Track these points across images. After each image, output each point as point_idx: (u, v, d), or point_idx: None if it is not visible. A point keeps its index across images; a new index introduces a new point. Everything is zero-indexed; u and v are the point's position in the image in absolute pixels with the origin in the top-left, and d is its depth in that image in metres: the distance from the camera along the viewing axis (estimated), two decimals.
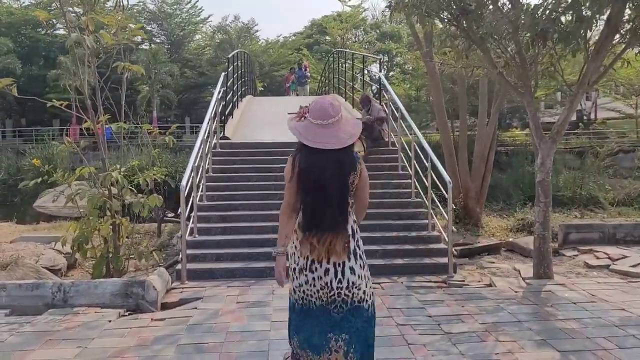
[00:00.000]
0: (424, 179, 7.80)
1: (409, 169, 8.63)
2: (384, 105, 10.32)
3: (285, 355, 3.46)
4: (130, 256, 6.85)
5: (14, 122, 38.35)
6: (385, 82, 10.61)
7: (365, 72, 28.25)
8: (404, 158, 9.04)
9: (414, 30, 10.13)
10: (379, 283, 5.99)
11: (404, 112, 8.94)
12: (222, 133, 10.30)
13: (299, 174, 2.93)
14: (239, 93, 14.16)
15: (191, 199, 7.07)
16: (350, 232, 3.02)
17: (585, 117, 31.36)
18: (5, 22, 37.02)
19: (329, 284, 2.97)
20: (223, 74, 10.55)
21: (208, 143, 8.81)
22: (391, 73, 39.11)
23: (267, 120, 12.40)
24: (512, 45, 5.84)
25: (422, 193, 8.10)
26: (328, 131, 2.89)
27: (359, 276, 3.01)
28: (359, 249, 3.07)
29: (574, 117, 26.59)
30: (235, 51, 14.66)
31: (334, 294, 2.98)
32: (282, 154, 8.28)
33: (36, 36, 37.42)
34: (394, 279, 6.30)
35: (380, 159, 9.39)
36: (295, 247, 3.06)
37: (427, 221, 7.66)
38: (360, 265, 3.04)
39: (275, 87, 35.68)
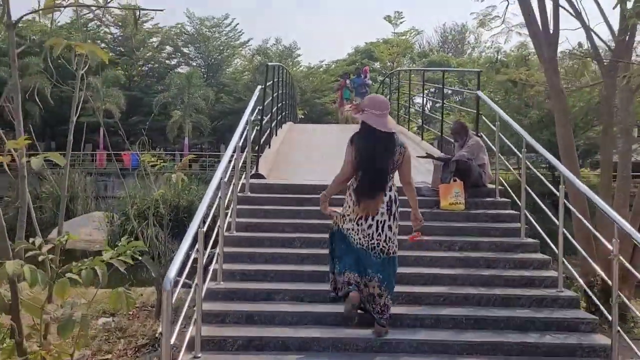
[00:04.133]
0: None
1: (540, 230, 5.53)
2: (481, 138, 7.24)
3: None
4: None
5: (45, 145, 36.71)
6: (488, 99, 7.51)
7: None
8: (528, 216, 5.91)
9: (539, 51, 7.05)
10: None
11: (534, 143, 5.82)
12: (254, 169, 7.40)
13: (358, 151, 4.05)
14: (279, 117, 11.30)
15: (194, 286, 4.09)
16: (392, 197, 4.17)
17: None
18: (38, 41, 35.70)
19: (371, 235, 4.10)
20: (259, 87, 7.69)
21: (233, 184, 5.90)
22: (438, 104, 36.10)
23: (317, 154, 9.44)
24: None
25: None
26: (382, 120, 4.05)
27: (394, 233, 4.19)
28: (397, 212, 4.22)
29: None
30: (276, 63, 11.81)
31: (374, 243, 4.11)
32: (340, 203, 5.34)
33: (68, 56, 35.86)
34: None
35: (485, 216, 6.30)
36: (349, 206, 4.17)
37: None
38: (395, 225, 4.21)
39: (316, 116, 33.03)
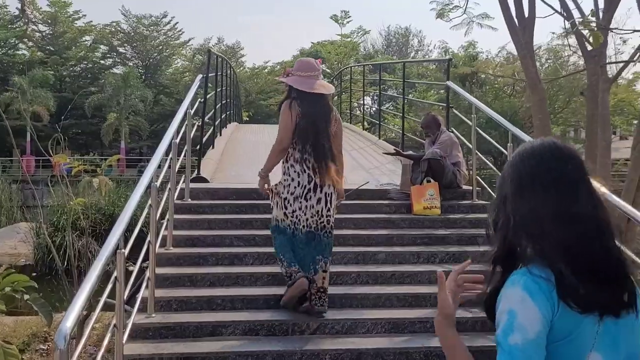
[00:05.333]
0: None
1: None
2: (453, 134, 6.45)
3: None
4: None
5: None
6: (461, 89, 6.73)
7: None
8: None
9: (515, 36, 6.34)
10: None
11: (515, 130, 5.08)
12: (195, 172, 6.33)
13: (299, 117, 3.65)
14: (223, 116, 10.19)
15: (111, 327, 3.01)
16: (335, 168, 3.78)
17: None
18: None
19: (320, 212, 3.73)
20: (200, 76, 6.62)
21: (168, 190, 4.82)
22: (387, 105, 35.69)
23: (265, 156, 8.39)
24: None
25: None
26: (316, 81, 3.70)
27: (334, 206, 3.86)
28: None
29: None
30: (219, 53, 10.67)
31: (323, 221, 3.75)
32: None
33: None
34: None
35: (465, 222, 5.50)
36: (292, 179, 3.74)
37: None
38: (335, 197, 3.84)
39: (262, 118, 31.86)
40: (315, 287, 3.78)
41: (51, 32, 35.84)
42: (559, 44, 20.54)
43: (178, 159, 5.14)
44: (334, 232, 3.95)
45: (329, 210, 3.78)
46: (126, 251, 3.11)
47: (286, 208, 3.77)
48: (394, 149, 6.66)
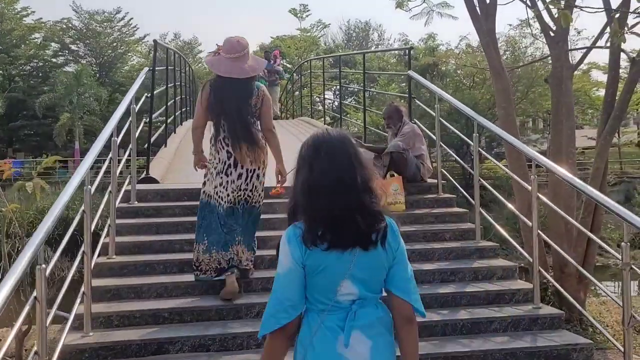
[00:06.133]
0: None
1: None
2: (416, 125, 6.17)
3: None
4: None
5: None
6: (423, 79, 6.45)
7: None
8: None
9: (477, 23, 6.12)
10: None
11: (480, 119, 4.85)
12: (144, 173, 5.89)
13: (210, 98, 3.76)
14: (177, 113, 9.69)
15: (31, 354, 2.60)
16: (261, 145, 3.86)
17: None
18: None
19: (239, 186, 3.81)
20: (146, 69, 6.17)
21: (109, 193, 4.39)
22: (349, 100, 35.46)
23: None
24: None
25: None
26: (235, 64, 3.68)
27: (260, 182, 3.90)
28: (266, 161, 3.94)
29: None
30: (170, 47, 10.14)
31: (242, 195, 3.83)
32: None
33: None
34: None
35: (431, 217, 5.25)
36: (214, 156, 3.87)
37: None
38: (263, 174, 3.92)
39: None
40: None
41: None
42: (516, 34, 20.66)
43: (121, 159, 4.71)
44: (259, 210, 4.01)
45: (253, 187, 3.86)
46: (49, 267, 2.71)
47: (212, 183, 3.88)
48: (355, 140, 6.35)
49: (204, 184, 3.96)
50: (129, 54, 37.15)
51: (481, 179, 4.97)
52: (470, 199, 5.04)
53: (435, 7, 9.34)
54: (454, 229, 5.04)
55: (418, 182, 5.70)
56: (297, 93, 17.61)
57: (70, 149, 30.69)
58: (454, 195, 5.61)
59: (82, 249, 3.44)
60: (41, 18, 35.51)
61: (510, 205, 4.70)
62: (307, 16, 37.82)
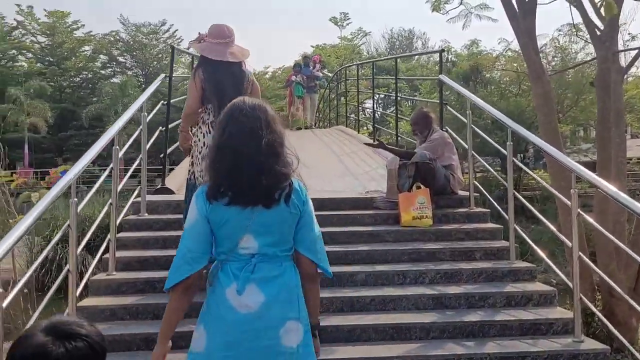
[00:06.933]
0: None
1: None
2: (447, 132, 5.72)
3: None
4: None
5: None
6: (454, 83, 5.99)
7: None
8: None
9: (514, 22, 5.63)
10: None
11: (517, 128, 4.36)
12: (161, 183, 5.67)
13: (204, 83, 3.70)
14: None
15: None
16: None
17: None
18: None
19: None
20: (163, 75, 5.99)
21: (109, 205, 4.15)
22: (392, 109, 34.96)
23: None
24: None
25: None
26: (225, 48, 3.69)
27: None
28: None
29: None
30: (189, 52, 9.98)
31: None
32: None
33: None
34: None
35: (460, 233, 4.78)
36: (199, 139, 3.83)
37: None
38: None
39: None
40: None
41: (50, 43, 35.48)
42: (565, 40, 19.71)
43: (127, 169, 4.48)
44: None
45: None
46: (8, 299, 2.44)
47: (196, 166, 3.81)
48: (377, 140, 5.94)
49: (192, 164, 3.91)
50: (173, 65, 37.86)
51: (515, 193, 4.46)
52: (504, 214, 4.55)
53: (473, 9, 8.89)
54: (486, 247, 4.56)
55: (447, 194, 5.24)
56: (338, 101, 17.30)
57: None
58: (487, 210, 5.12)
59: (67, 267, 3.17)
60: (91, 31, 36.69)
61: (545, 221, 4.19)
62: (347, 24, 37.61)
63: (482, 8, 9.03)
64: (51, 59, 35.23)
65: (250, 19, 70.39)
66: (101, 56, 36.68)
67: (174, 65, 6.80)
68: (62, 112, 33.25)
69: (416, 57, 47.80)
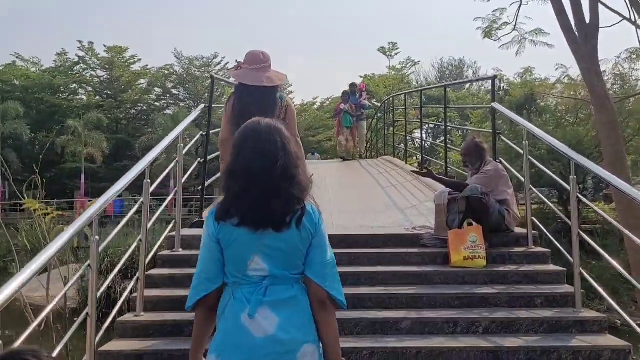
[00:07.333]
0: None
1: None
2: (501, 164, 5.30)
3: None
4: None
5: (35, 194, 34.73)
6: (509, 111, 5.59)
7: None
8: None
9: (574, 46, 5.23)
10: None
11: (580, 159, 3.92)
12: (198, 216, 5.49)
13: (234, 109, 3.67)
14: None
15: None
16: None
17: None
18: (20, 86, 34.40)
19: None
20: (202, 106, 5.87)
21: (138, 242, 3.95)
22: (440, 139, 34.31)
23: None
24: None
25: None
26: (261, 73, 3.67)
27: None
28: None
29: None
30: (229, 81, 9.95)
31: None
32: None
33: (52, 101, 34.54)
34: None
35: (518, 276, 4.32)
36: None
37: None
38: None
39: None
40: None
41: (108, 77, 36.99)
42: (625, 67, 18.78)
43: (158, 199, 4.29)
44: None
45: None
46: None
47: None
48: (425, 168, 5.57)
49: None
50: (225, 96, 38.68)
51: (581, 232, 3.99)
52: (569, 256, 4.08)
53: (527, 35, 8.46)
54: (547, 292, 4.09)
55: (502, 232, 4.80)
56: (386, 131, 17.03)
57: (167, 187, 32.01)
58: (548, 250, 4.65)
59: (86, 310, 2.96)
60: (147, 65, 38.06)
61: (611, 260, 3.70)
62: (396, 54, 37.45)
63: (536, 33, 8.58)
64: (109, 92, 36.71)
65: (299, 50, 71.63)
66: (155, 89, 37.91)
67: (222, 96, 6.67)
68: (118, 142, 34.38)
69: (467, 86, 47.16)
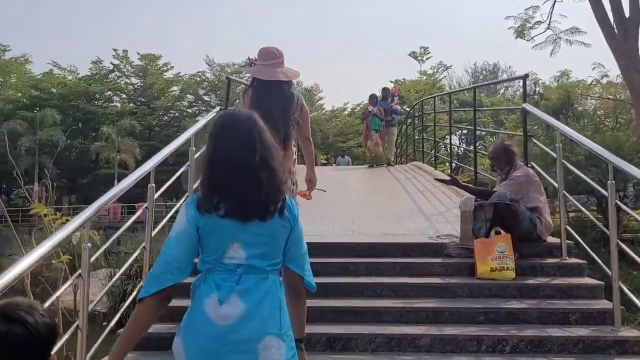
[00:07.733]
0: None
1: None
2: (532, 169, 4.95)
3: None
4: None
5: (70, 200, 35.47)
6: (541, 112, 5.24)
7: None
8: None
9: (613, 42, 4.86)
10: None
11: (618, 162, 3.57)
12: None
13: (252, 101, 3.64)
14: None
15: None
16: (295, 153, 4.06)
17: None
18: (57, 94, 35.22)
19: None
20: (217, 108, 5.68)
21: (142, 248, 3.77)
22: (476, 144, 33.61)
23: (335, 203, 6.67)
24: None
25: None
26: (275, 69, 3.67)
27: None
28: (292, 169, 3.89)
29: None
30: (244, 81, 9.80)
31: None
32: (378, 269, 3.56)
33: (87, 108, 35.25)
34: None
35: (550, 289, 3.98)
36: None
37: None
38: (292, 182, 3.77)
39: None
40: None
41: (142, 84, 37.57)
42: None
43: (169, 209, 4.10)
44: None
45: None
46: None
47: None
48: (449, 175, 5.27)
49: None
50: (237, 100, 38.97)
51: (619, 242, 3.63)
52: (607, 269, 3.72)
53: (562, 34, 8.05)
54: (583, 308, 3.73)
55: (533, 241, 4.46)
56: (417, 136, 16.67)
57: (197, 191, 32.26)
58: (584, 262, 4.28)
59: (76, 323, 2.78)
60: (180, 72, 38.50)
61: None
62: (427, 59, 36.90)
63: (572, 32, 8.16)
64: (142, 99, 37.27)
65: (331, 57, 71.58)
66: (188, 95, 38.33)
67: (238, 99, 6.53)
68: (150, 149, 34.75)
69: (501, 91, 46.17)
